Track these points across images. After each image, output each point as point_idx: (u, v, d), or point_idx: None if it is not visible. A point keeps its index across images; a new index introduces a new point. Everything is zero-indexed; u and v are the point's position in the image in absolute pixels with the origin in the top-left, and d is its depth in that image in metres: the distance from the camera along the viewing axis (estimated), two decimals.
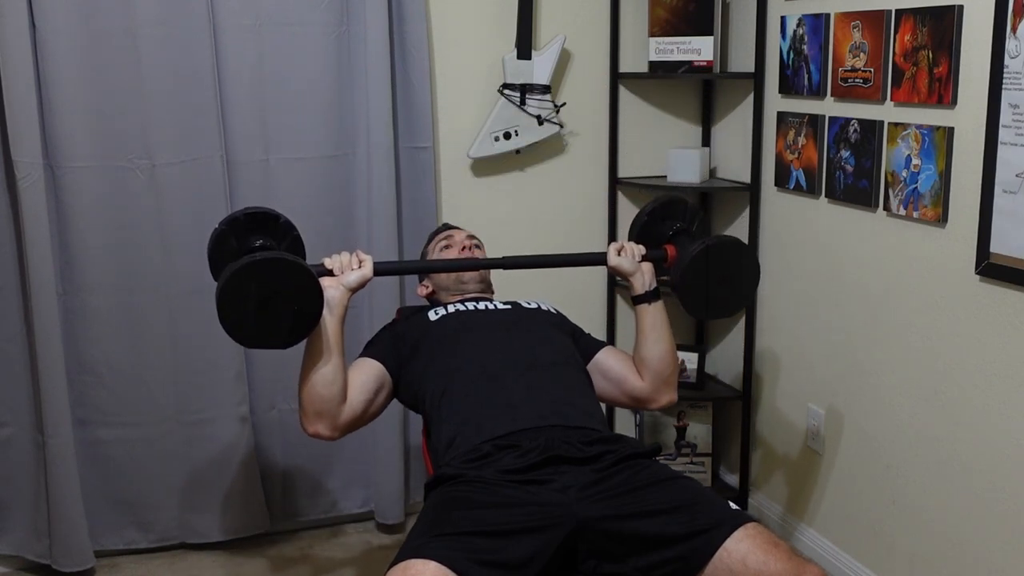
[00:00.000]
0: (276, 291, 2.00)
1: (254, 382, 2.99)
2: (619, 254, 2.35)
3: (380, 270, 2.25)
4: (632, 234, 2.46)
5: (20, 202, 2.68)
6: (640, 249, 2.37)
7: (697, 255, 2.26)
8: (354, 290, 2.19)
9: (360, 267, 2.20)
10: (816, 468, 2.93)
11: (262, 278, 1.99)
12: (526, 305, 2.43)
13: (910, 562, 2.56)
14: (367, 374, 2.23)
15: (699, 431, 3.31)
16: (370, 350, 2.32)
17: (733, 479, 3.35)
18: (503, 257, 2.40)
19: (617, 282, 3.33)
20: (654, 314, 2.33)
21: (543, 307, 2.45)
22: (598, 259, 2.40)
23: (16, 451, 2.87)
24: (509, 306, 2.40)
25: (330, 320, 2.12)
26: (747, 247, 2.36)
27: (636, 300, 2.35)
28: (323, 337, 2.10)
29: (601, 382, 2.37)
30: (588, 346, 2.41)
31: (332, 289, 2.14)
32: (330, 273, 2.18)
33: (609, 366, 2.37)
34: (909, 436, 2.54)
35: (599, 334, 3.06)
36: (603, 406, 2.38)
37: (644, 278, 2.34)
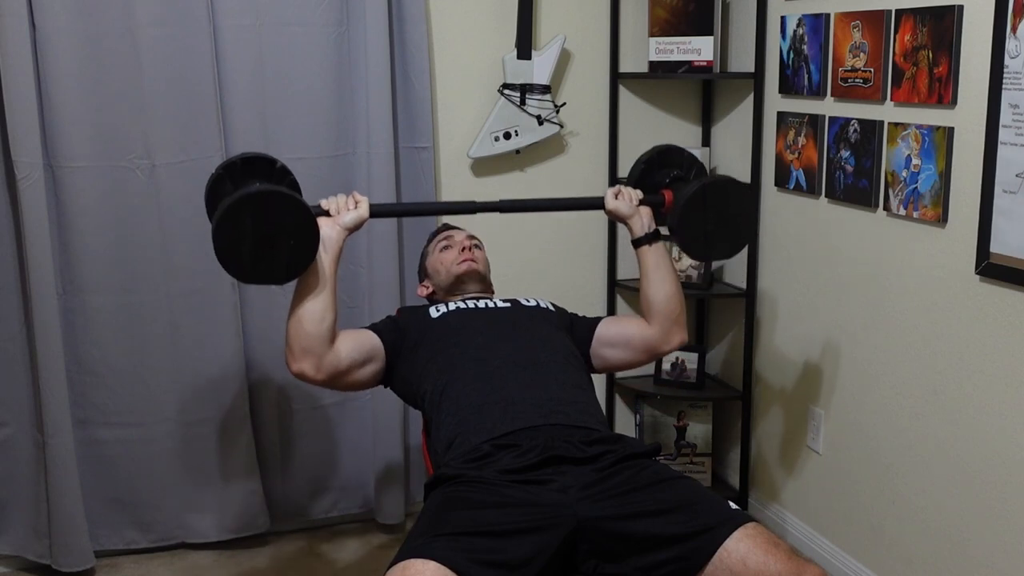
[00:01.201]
0: (272, 225, 2.01)
1: (254, 382, 2.99)
2: (616, 198, 2.36)
3: (376, 212, 2.27)
4: (630, 182, 2.47)
5: (20, 202, 2.68)
6: (637, 193, 2.38)
7: (694, 194, 2.26)
8: (350, 230, 2.20)
9: (356, 208, 2.21)
10: (816, 468, 2.93)
11: (258, 212, 2.00)
12: (525, 303, 2.43)
13: (909, 562, 2.56)
14: (363, 339, 2.25)
15: (699, 431, 3.31)
16: (371, 326, 2.34)
17: (733, 479, 3.35)
18: (500, 200, 2.41)
19: (618, 281, 3.33)
20: (655, 255, 2.34)
21: (541, 304, 2.45)
22: (595, 203, 2.40)
23: (16, 451, 2.87)
24: (509, 304, 2.41)
25: (325, 258, 2.14)
26: (745, 186, 2.35)
27: (636, 243, 2.37)
28: (317, 275, 2.12)
29: (611, 352, 2.38)
30: (586, 327, 2.42)
31: (328, 228, 2.16)
32: (327, 214, 2.20)
33: (612, 334, 2.39)
34: (909, 436, 2.54)
35: None
36: (603, 407, 2.38)
37: (643, 220, 2.35)
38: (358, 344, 2.22)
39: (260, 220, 2.00)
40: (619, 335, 2.38)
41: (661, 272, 2.34)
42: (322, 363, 2.13)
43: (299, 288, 2.13)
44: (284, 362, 2.98)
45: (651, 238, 2.34)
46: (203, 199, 2.80)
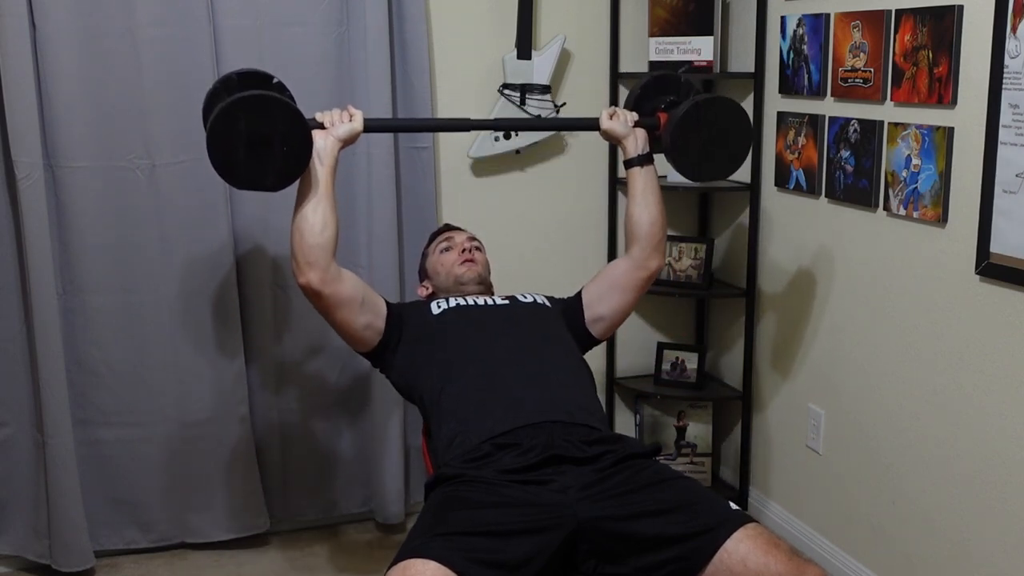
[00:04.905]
0: (265, 130, 2.04)
1: (254, 382, 2.99)
2: (612, 119, 2.39)
3: (370, 126, 2.29)
4: (626, 107, 2.49)
5: (20, 202, 2.68)
6: (633, 115, 2.42)
7: (687, 112, 2.29)
8: (344, 142, 2.23)
9: (351, 120, 2.24)
10: (816, 468, 2.93)
11: (251, 115, 2.03)
12: (523, 299, 2.43)
13: (910, 562, 2.56)
14: (372, 291, 2.29)
15: (699, 431, 3.31)
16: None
17: (733, 479, 3.35)
18: (495, 119, 2.42)
19: None
20: (645, 178, 2.39)
21: (538, 300, 2.45)
22: (591, 124, 2.43)
23: (16, 451, 2.87)
24: (507, 301, 2.41)
25: (320, 170, 2.16)
26: (739, 105, 2.37)
27: (628, 164, 2.41)
28: (314, 186, 2.15)
29: (604, 306, 2.41)
30: (574, 302, 2.45)
31: (322, 139, 2.18)
32: (322, 126, 2.22)
33: (597, 288, 2.44)
34: (909, 436, 2.54)
35: None
36: (603, 404, 2.39)
37: (637, 142, 2.40)
38: (364, 287, 2.27)
39: (254, 124, 2.04)
40: (603, 284, 2.43)
41: (649, 195, 2.38)
42: (326, 276, 2.16)
43: (298, 201, 2.17)
44: (283, 359, 3.02)
45: (643, 160, 2.39)
46: (203, 198, 2.83)
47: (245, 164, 2.05)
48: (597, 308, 2.42)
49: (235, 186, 2.15)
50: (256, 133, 2.04)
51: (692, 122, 2.30)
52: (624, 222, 2.43)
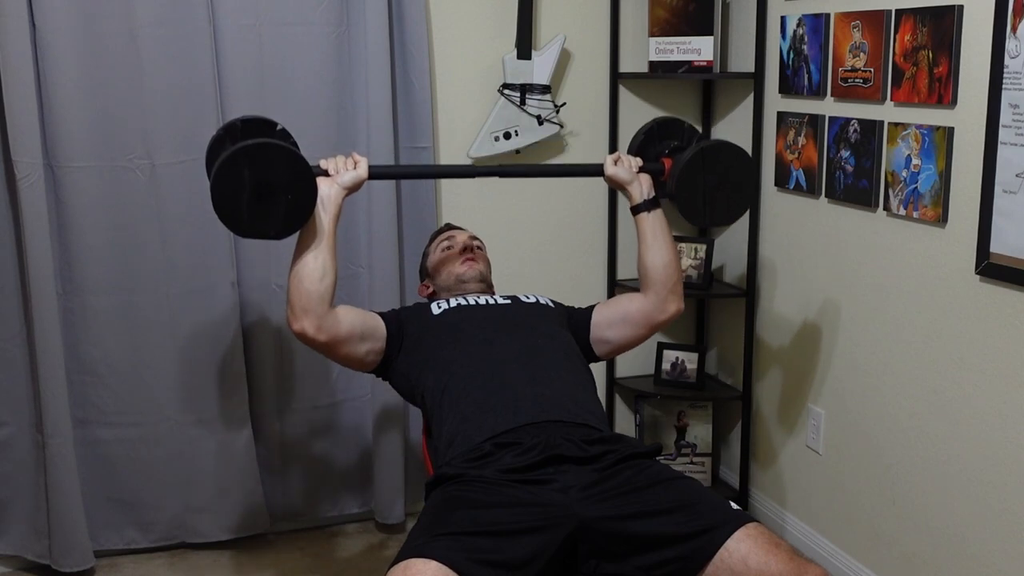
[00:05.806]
0: (269, 178, 2.04)
1: (254, 383, 2.99)
2: (616, 164, 2.38)
3: (375, 173, 2.29)
4: (630, 152, 2.48)
5: (20, 202, 2.68)
6: (637, 161, 2.40)
7: (692, 159, 2.28)
8: (349, 189, 2.22)
9: (355, 168, 2.23)
10: (816, 468, 2.93)
11: (255, 164, 2.02)
12: (524, 299, 2.43)
13: (909, 562, 2.56)
14: (367, 316, 2.27)
15: (699, 431, 3.31)
16: (377, 312, 2.35)
17: (733, 479, 3.35)
18: (499, 166, 2.42)
19: (618, 282, 3.32)
20: (653, 222, 2.36)
21: (541, 301, 2.45)
22: (595, 170, 2.42)
23: (16, 451, 2.88)
24: (509, 300, 2.41)
25: (324, 217, 2.16)
26: (743, 151, 2.37)
27: (635, 210, 2.38)
28: (316, 233, 2.14)
29: (611, 332, 2.39)
30: (584, 315, 2.43)
31: (327, 187, 2.18)
32: (326, 173, 2.21)
33: (610, 313, 2.41)
34: (909, 436, 2.54)
35: None
36: (603, 405, 2.39)
37: (642, 188, 2.37)
38: (361, 318, 2.24)
39: (258, 173, 2.03)
40: (617, 313, 2.40)
41: (659, 240, 2.35)
42: (322, 323, 2.14)
43: (299, 246, 2.16)
44: (284, 359, 3.02)
45: (650, 205, 2.37)
46: (203, 198, 2.81)
47: (249, 213, 2.04)
48: (605, 332, 2.40)
49: (239, 235, 2.12)
50: (261, 182, 2.03)
51: (697, 168, 2.28)
52: (637, 267, 2.40)
